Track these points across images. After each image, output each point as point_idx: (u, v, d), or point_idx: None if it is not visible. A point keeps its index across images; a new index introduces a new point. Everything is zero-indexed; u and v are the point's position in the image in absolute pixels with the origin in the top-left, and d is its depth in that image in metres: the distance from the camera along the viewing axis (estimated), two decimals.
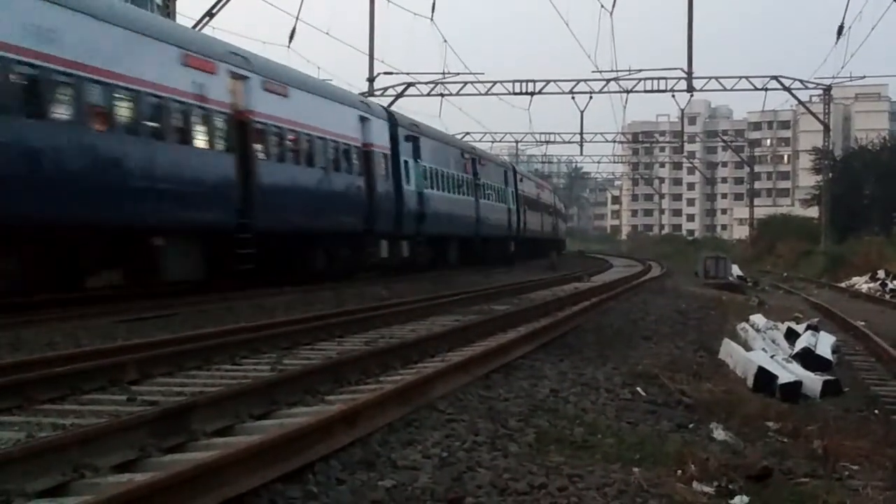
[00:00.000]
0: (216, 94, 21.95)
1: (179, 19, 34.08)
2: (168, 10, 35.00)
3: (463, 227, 42.52)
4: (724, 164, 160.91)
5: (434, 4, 38.96)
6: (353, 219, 29.66)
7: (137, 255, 20.25)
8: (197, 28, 33.14)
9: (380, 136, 32.33)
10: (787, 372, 12.56)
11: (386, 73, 46.73)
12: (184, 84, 20.72)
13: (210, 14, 34.27)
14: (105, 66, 18.35)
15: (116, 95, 18.68)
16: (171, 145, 20.34)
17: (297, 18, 43.09)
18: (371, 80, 44.47)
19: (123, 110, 19.01)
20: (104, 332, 13.81)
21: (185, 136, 20.97)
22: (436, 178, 38.51)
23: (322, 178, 27.46)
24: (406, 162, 34.55)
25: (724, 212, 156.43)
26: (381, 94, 45.82)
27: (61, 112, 17.42)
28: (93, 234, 18.88)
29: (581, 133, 70.96)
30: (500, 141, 74.49)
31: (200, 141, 21.51)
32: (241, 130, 22.97)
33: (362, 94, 40.22)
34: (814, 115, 58.33)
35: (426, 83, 48.22)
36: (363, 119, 31.03)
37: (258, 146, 23.86)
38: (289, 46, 37.52)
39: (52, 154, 17.22)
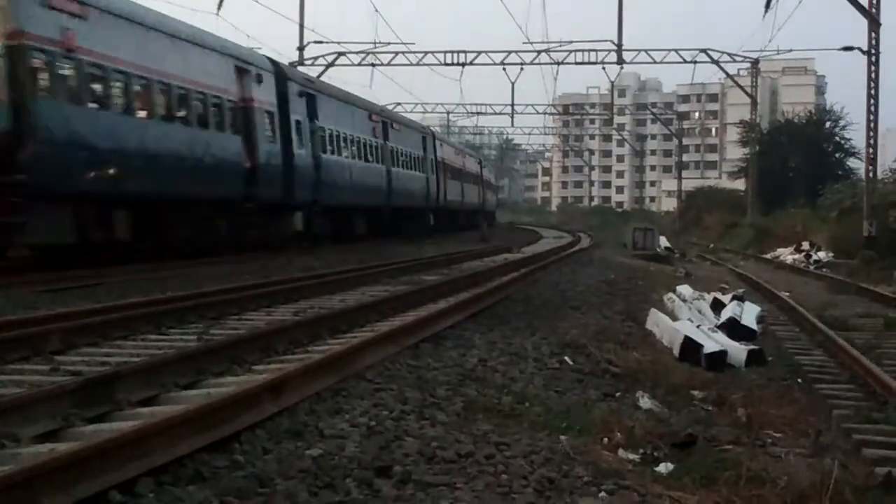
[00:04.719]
0: None
1: None
2: None
3: (370, 196, 38.77)
4: (654, 137, 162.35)
5: None
6: (226, 185, 25.48)
7: None
8: None
9: (264, 91, 28.24)
10: (713, 341, 12.74)
11: (316, 43, 46.29)
12: None
13: None
14: None
15: None
16: None
17: None
18: (301, 49, 44.05)
19: None
20: (27, 302, 13.57)
21: None
22: (337, 142, 34.50)
23: (165, 132, 22.52)
24: (298, 122, 30.52)
25: (652, 184, 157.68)
26: (312, 64, 45.44)
27: None
28: None
29: (512, 104, 71.26)
30: (431, 112, 74.20)
31: None
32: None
33: (292, 63, 39.46)
34: (741, 88, 58.88)
35: (357, 53, 47.85)
36: (241, 70, 26.80)
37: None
38: (217, 14, 37.01)
39: None
